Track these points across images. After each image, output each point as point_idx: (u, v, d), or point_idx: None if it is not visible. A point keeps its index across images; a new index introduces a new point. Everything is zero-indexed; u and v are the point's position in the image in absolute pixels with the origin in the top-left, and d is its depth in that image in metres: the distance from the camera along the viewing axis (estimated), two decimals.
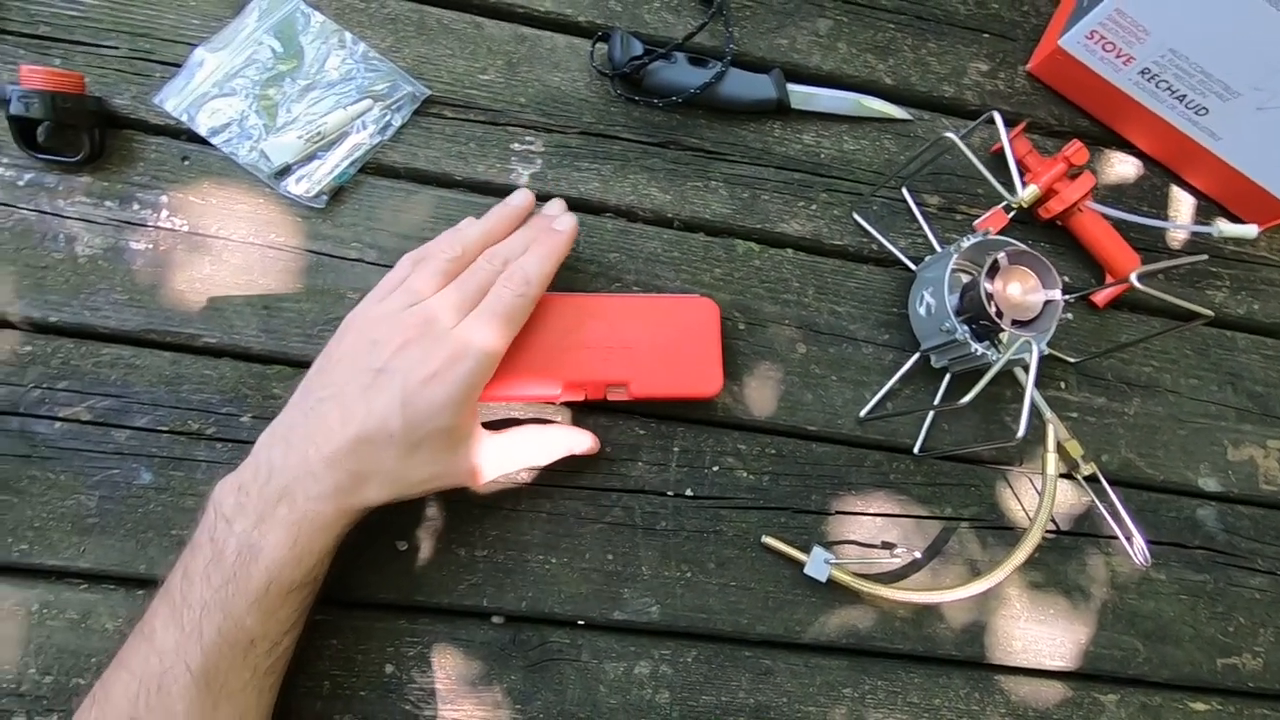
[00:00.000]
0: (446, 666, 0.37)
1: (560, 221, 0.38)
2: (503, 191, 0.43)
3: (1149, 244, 0.48)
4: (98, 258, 0.38)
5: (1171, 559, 0.44)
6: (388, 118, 0.42)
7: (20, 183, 0.39)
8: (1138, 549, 0.41)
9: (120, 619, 0.35)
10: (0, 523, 0.35)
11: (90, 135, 0.38)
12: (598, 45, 0.45)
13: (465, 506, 0.39)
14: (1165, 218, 0.49)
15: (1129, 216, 0.45)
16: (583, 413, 0.41)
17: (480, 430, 0.36)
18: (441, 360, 0.32)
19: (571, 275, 0.42)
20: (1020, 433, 0.34)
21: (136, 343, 0.38)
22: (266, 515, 0.31)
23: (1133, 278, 0.37)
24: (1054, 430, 0.41)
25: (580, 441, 0.38)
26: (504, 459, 0.37)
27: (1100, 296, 0.46)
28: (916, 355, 0.43)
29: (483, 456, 0.35)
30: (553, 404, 0.40)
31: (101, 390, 0.37)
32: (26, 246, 0.38)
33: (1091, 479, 0.43)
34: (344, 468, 0.31)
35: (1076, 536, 0.44)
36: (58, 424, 0.37)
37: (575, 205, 0.43)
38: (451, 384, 0.32)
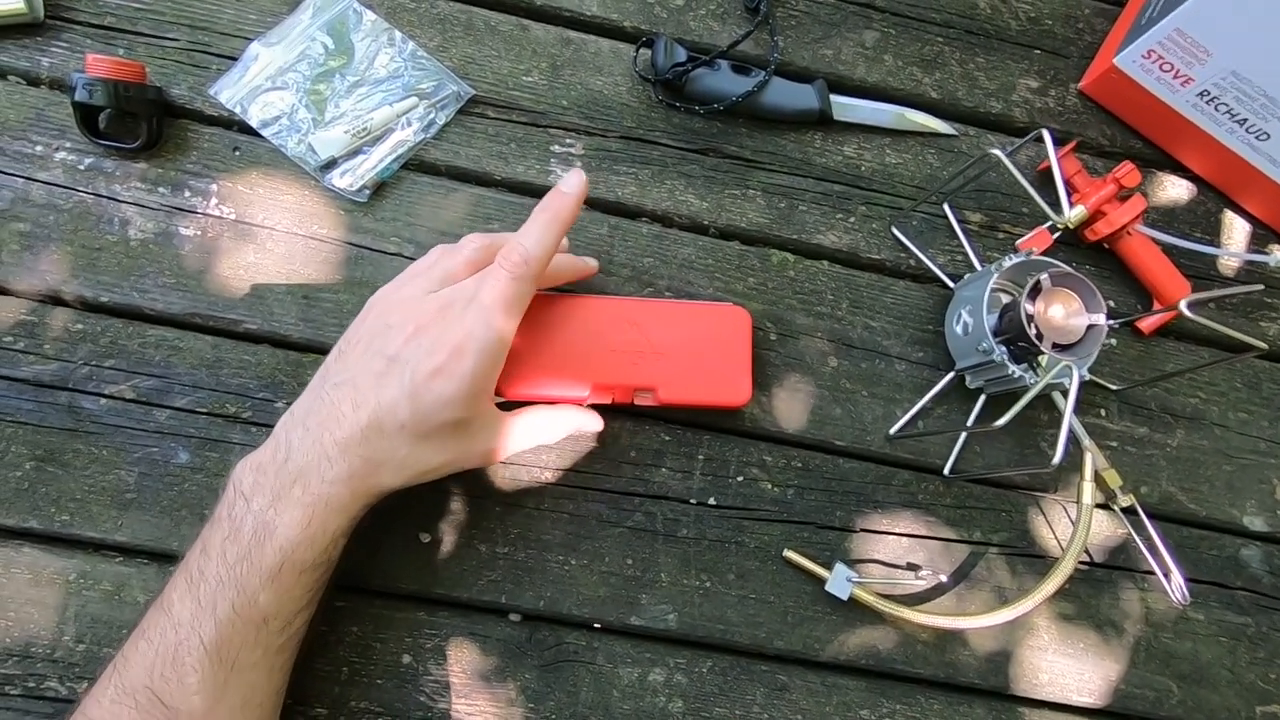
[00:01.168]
0: (463, 660, 0.37)
1: (567, 181, 0.35)
2: (541, 192, 0.43)
3: (1200, 271, 0.47)
4: (149, 242, 0.40)
5: (1211, 599, 0.43)
6: (432, 116, 0.43)
7: (81, 166, 0.40)
8: (1176, 586, 0.40)
9: (152, 592, 0.36)
10: (45, 493, 0.37)
11: (149, 123, 0.40)
12: (641, 51, 0.45)
13: (488, 503, 0.39)
14: (1218, 244, 0.48)
15: (1180, 242, 0.44)
16: (609, 416, 0.41)
17: (494, 412, 0.35)
18: (447, 353, 0.32)
19: (604, 279, 0.42)
20: (1056, 459, 0.33)
21: (181, 325, 0.39)
22: (282, 495, 0.31)
23: (1182, 305, 0.35)
24: (1092, 458, 0.39)
25: (588, 421, 0.38)
26: (516, 438, 0.36)
27: (1147, 323, 0.45)
28: (951, 375, 0.43)
29: (497, 439, 0.35)
30: (581, 405, 0.40)
31: (146, 370, 0.38)
32: (83, 228, 0.39)
33: (1129, 511, 0.41)
34: (357, 454, 0.32)
35: (1111, 570, 0.42)
36: (103, 400, 0.38)
37: (612, 209, 0.43)
38: (457, 379, 0.32)
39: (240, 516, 0.31)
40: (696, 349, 0.39)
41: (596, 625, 0.39)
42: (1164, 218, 0.48)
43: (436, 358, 0.32)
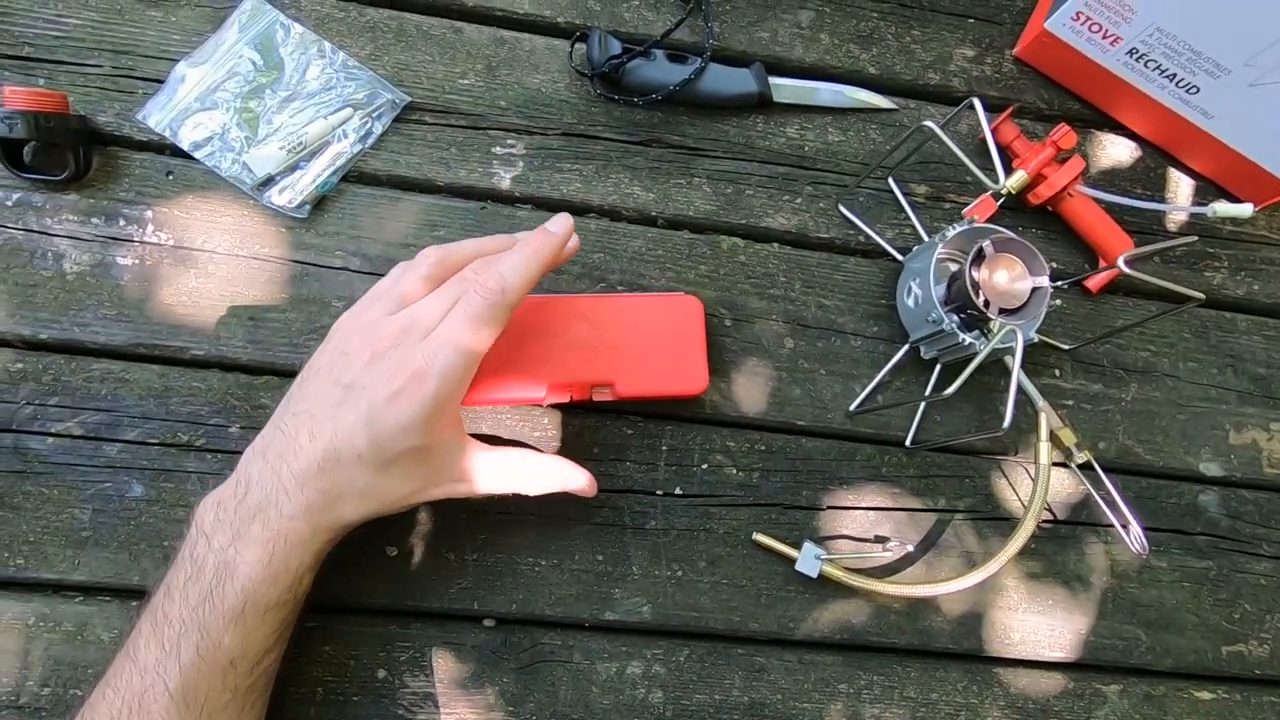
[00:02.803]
0: (439, 670, 0.37)
1: (555, 223, 0.35)
2: (485, 195, 0.43)
3: (1145, 227, 0.48)
4: (85, 274, 0.39)
5: (1173, 546, 0.44)
6: (368, 126, 0.42)
7: (8, 203, 0.39)
8: (1135, 537, 0.41)
9: (115, 630, 0.36)
10: None
11: (75, 154, 0.39)
12: (576, 45, 0.45)
13: (454, 511, 0.39)
14: (1161, 200, 0.48)
15: (1121, 200, 0.44)
16: (570, 413, 0.41)
17: (466, 442, 0.34)
18: (407, 377, 0.31)
19: (555, 276, 0.42)
20: (1006, 422, 0.33)
21: (125, 357, 0.39)
22: (242, 532, 0.30)
23: (1120, 262, 0.36)
24: (1046, 418, 0.40)
25: (576, 478, 0.36)
26: (493, 477, 0.35)
27: (1093, 282, 0.45)
28: (906, 347, 0.43)
29: (468, 470, 0.34)
30: (539, 406, 0.40)
31: (92, 405, 0.38)
32: (16, 265, 0.39)
33: (1086, 467, 0.42)
34: (314, 486, 0.31)
35: (1074, 525, 0.43)
36: (50, 439, 0.37)
37: (558, 206, 0.43)
38: (418, 403, 0.31)
39: (202, 556, 0.30)
40: (651, 341, 0.39)
41: (571, 624, 0.39)
42: (1107, 178, 0.48)
43: (395, 381, 0.31)
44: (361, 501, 0.32)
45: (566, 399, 0.38)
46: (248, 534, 0.30)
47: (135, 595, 0.36)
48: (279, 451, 0.32)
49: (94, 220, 0.40)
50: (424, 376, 0.31)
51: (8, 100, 0.37)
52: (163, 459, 0.38)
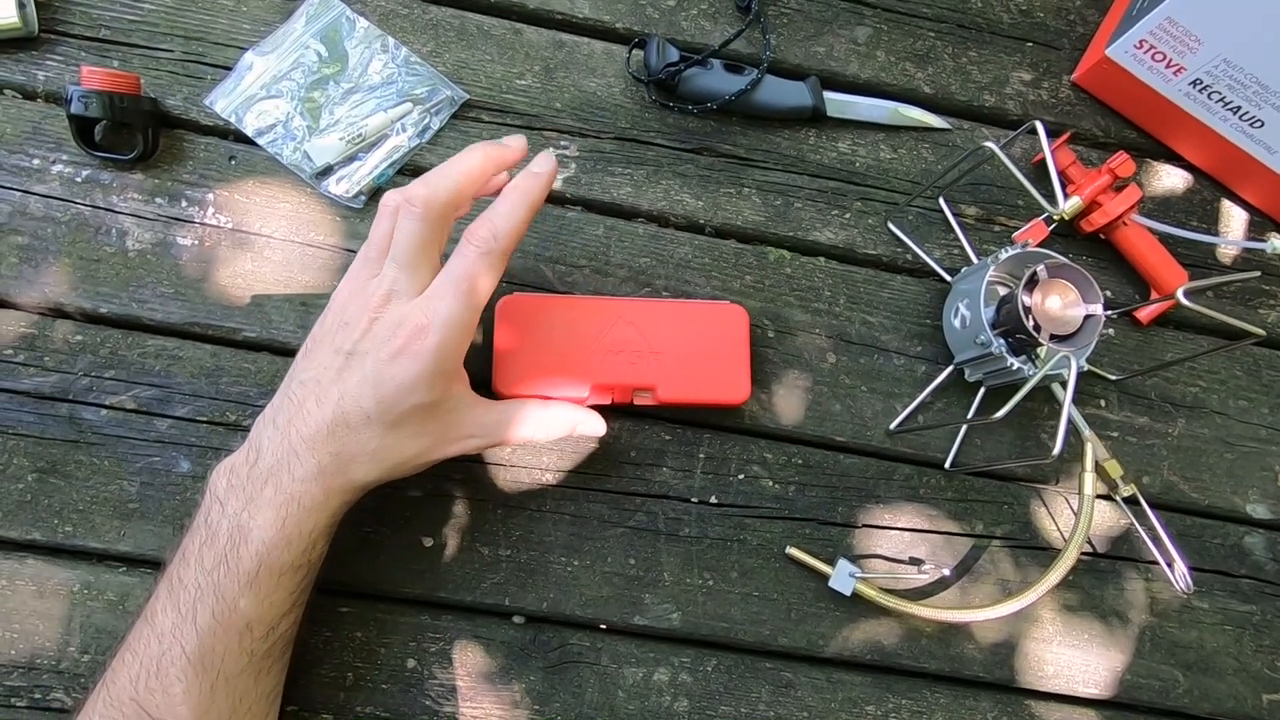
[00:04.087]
0: (467, 664, 0.38)
1: (538, 163, 0.35)
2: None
3: (1198, 260, 0.47)
4: (147, 252, 0.40)
5: (1216, 588, 0.43)
6: (426, 121, 0.43)
7: (78, 179, 0.40)
8: (1179, 575, 0.40)
9: None
10: (48, 505, 0.37)
11: (144, 134, 0.40)
12: (634, 52, 0.45)
13: (490, 506, 0.39)
14: (1215, 233, 0.48)
15: (1176, 231, 0.44)
16: (609, 416, 0.41)
17: (469, 395, 0.34)
18: (408, 334, 0.31)
19: (601, 279, 0.42)
20: (1056, 450, 0.33)
21: (180, 335, 0.39)
22: (255, 496, 0.31)
23: (1179, 294, 0.35)
24: (1092, 449, 0.39)
25: (586, 420, 0.36)
26: (504, 427, 0.35)
27: (1145, 313, 0.45)
28: (950, 368, 0.43)
29: (479, 423, 0.34)
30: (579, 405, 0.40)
31: (146, 380, 0.39)
32: (81, 240, 0.40)
33: (1131, 501, 0.41)
34: (325, 449, 0.31)
35: (1114, 560, 0.42)
36: (104, 411, 0.38)
37: (608, 210, 0.44)
38: (421, 359, 0.31)
39: (216, 521, 0.31)
40: (695, 348, 0.39)
41: (601, 626, 0.39)
42: (1160, 207, 0.48)
43: (396, 340, 0.31)
44: (374, 463, 0.32)
45: (608, 400, 0.39)
46: (260, 498, 0.31)
47: None
48: (288, 418, 0.32)
49: (158, 200, 0.40)
50: (424, 330, 0.31)
51: (85, 79, 0.38)
52: (210, 437, 0.38)
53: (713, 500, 0.40)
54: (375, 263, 0.34)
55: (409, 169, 0.43)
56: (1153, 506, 0.41)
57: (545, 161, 0.35)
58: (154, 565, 0.37)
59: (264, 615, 0.31)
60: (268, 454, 0.31)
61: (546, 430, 0.36)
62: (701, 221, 0.44)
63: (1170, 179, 0.48)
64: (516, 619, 0.38)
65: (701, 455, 0.41)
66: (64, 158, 0.40)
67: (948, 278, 0.44)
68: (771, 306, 0.43)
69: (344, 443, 0.31)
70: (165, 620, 0.30)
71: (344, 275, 0.35)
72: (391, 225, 0.34)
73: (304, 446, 0.31)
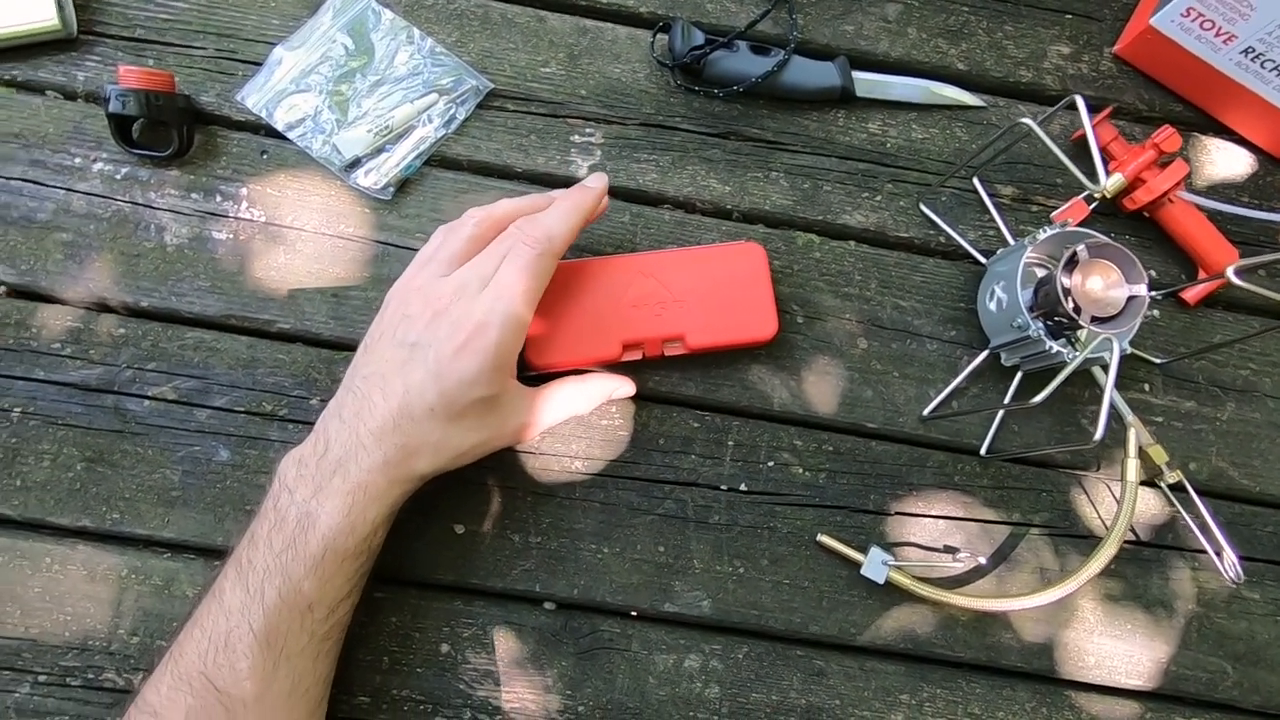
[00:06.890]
0: (500, 649, 0.38)
1: (592, 179, 0.38)
2: (562, 183, 0.43)
3: (1248, 238, 0.45)
4: (184, 246, 0.41)
5: (1267, 577, 0.41)
6: (452, 111, 0.43)
7: (118, 176, 0.41)
8: (1229, 565, 0.38)
9: (199, 586, 0.37)
10: (96, 493, 0.38)
11: (179, 131, 0.41)
12: (658, 36, 0.44)
13: (520, 493, 0.39)
14: (1268, 208, 0.46)
15: (1226, 207, 0.42)
16: (638, 405, 0.41)
17: (520, 388, 0.36)
18: (470, 330, 0.33)
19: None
20: (1098, 436, 0.32)
21: (217, 327, 0.40)
22: (323, 485, 0.32)
23: (1229, 272, 0.34)
24: (1136, 434, 0.38)
25: (619, 387, 0.39)
26: (549, 411, 0.37)
27: (1191, 293, 0.43)
28: (985, 353, 0.42)
29: (528, 414, 0.36)
30: (613, 364, 0.40)
31: (186, 371, 0.40)
32: (122, 235, 0.41)
33: (1177, 488, 0.40)
34: (390, 441, 0.32)
35: (1159, 548, 0.41)
36: (147, 402, 0.39)
37: (634, 196, 0.43)
38: (482, 354, 0.33)
39: (285, 508, 0.32)
40: (717, 291, 0.39)
41: (632, 613, 0.39)
42: (1209, 184, 0.46)
43: (459, 336, 0.33)
44: (435, 454, 0.33)
45: (639, 356, 0.39)
46: (329, 487, 0.32)
47: (218, 555, 0.38)
48: (355, 411, 0.33)
49: (193, 195, 0.41)
50: (486, 327, 0.33)
51: (122, 78, 0.39)
52: (248, 426, 0.39)
53: (742, 488, 0.40)
54: (442, 264, 0.35)
55: (436, 159, 0.43)
56: (1200, 494, 0.40)
57: (599, 179, 0.38)
58: (196, 551, 0.38)
59: (325, 597, 0.32)
60: (336, 446, 0.33)
61: (587, 402, 0.38)
62: (729, 207, 0.44)
63: (1219, 153, 0.46)
64: (547, 605, 0.39)
65: (730, 443, 0.41)
66: (104, 156, 0.41)
67: (982, 260, 0.43)
68: (801, 292, 0.43)
69: (408, 435, 0.33)
70: (234, 599, 0.31)
71: (401, 274, 0.36)
72: (475, 247, 0.35)
73: (371, 439, 0.32)
